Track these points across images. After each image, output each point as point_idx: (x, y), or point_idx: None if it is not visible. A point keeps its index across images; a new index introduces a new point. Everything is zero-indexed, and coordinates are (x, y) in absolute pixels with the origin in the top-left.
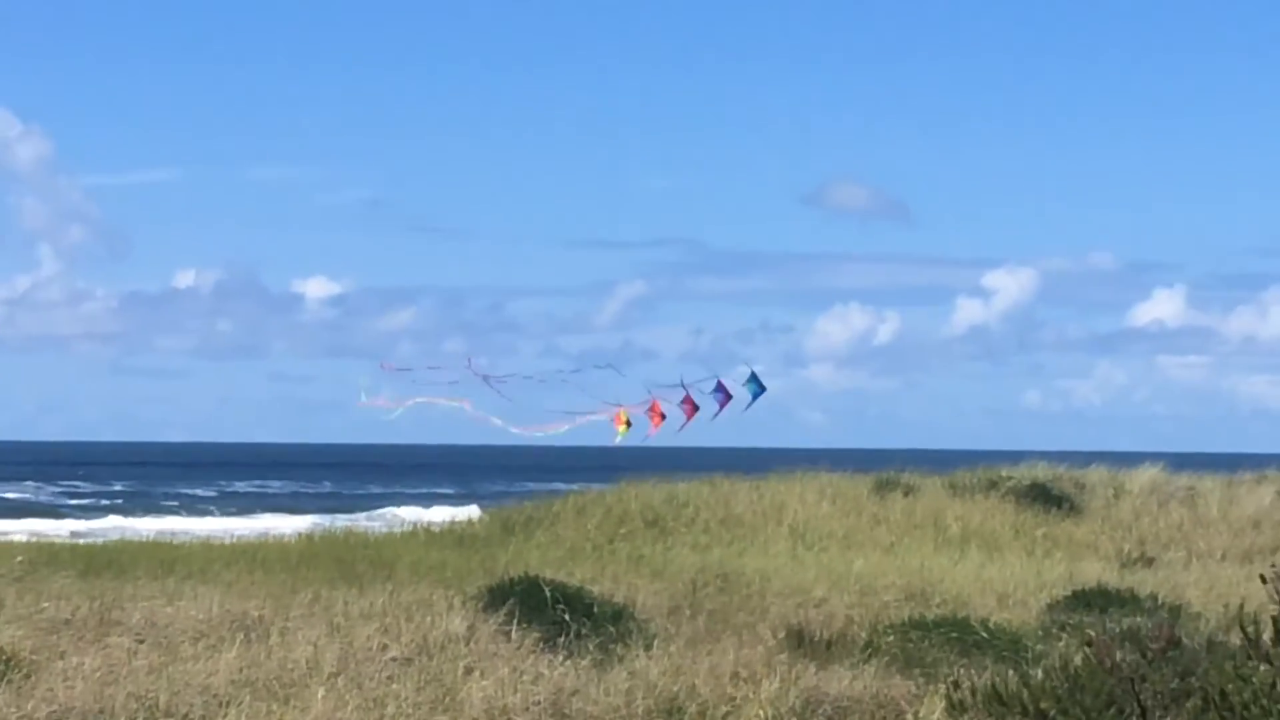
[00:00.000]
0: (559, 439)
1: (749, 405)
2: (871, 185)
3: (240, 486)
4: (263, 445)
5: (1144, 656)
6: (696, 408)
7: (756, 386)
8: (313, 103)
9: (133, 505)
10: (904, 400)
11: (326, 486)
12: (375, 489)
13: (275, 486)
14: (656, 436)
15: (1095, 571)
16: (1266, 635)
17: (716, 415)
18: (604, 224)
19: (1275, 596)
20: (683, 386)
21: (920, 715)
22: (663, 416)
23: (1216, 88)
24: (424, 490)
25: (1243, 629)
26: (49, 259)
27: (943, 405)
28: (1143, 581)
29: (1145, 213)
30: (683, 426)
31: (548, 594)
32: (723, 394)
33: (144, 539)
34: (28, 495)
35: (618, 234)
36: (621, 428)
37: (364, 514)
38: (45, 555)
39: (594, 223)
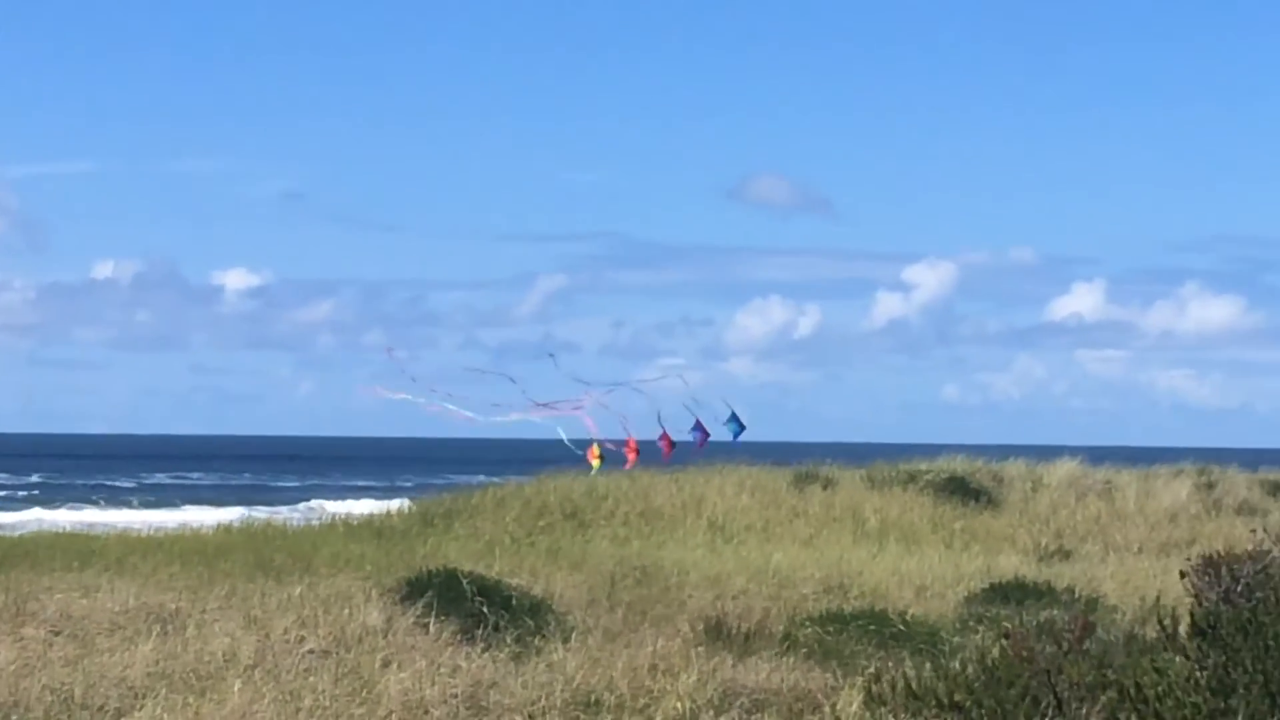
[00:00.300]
0: (497, 431)
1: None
2: (794, 179)
3: (160, 478)
4: (183, 437)
5: (1060, 649)
6: (674, 444)
7: (737, 426)
8: (234, 95)
9: (52, 497)
10: (824, 394)
11: (247, 479)
12: (296, 482)
13: (195, 478)
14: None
15: (1013, 564)
16: (1182, 628)
17: (697, 450)
18: (525, 217)
19: (1191, 590)
20: (660, 425)
21: (838, 708)
22: (636, 452)
23: (1137, 82)
24: (347, 483)
25: (1159, 622)
26: None
27: (862, 399)
28: (1060, 574)
29: (1065, 207)
30: (665, 456)
31: (466, 586)
32: (701, 433)
33: (62, 531)
34: None
35: (539, 227)
36: (595, 461)
37: (286, 507)
38: None
39: (515, 216)
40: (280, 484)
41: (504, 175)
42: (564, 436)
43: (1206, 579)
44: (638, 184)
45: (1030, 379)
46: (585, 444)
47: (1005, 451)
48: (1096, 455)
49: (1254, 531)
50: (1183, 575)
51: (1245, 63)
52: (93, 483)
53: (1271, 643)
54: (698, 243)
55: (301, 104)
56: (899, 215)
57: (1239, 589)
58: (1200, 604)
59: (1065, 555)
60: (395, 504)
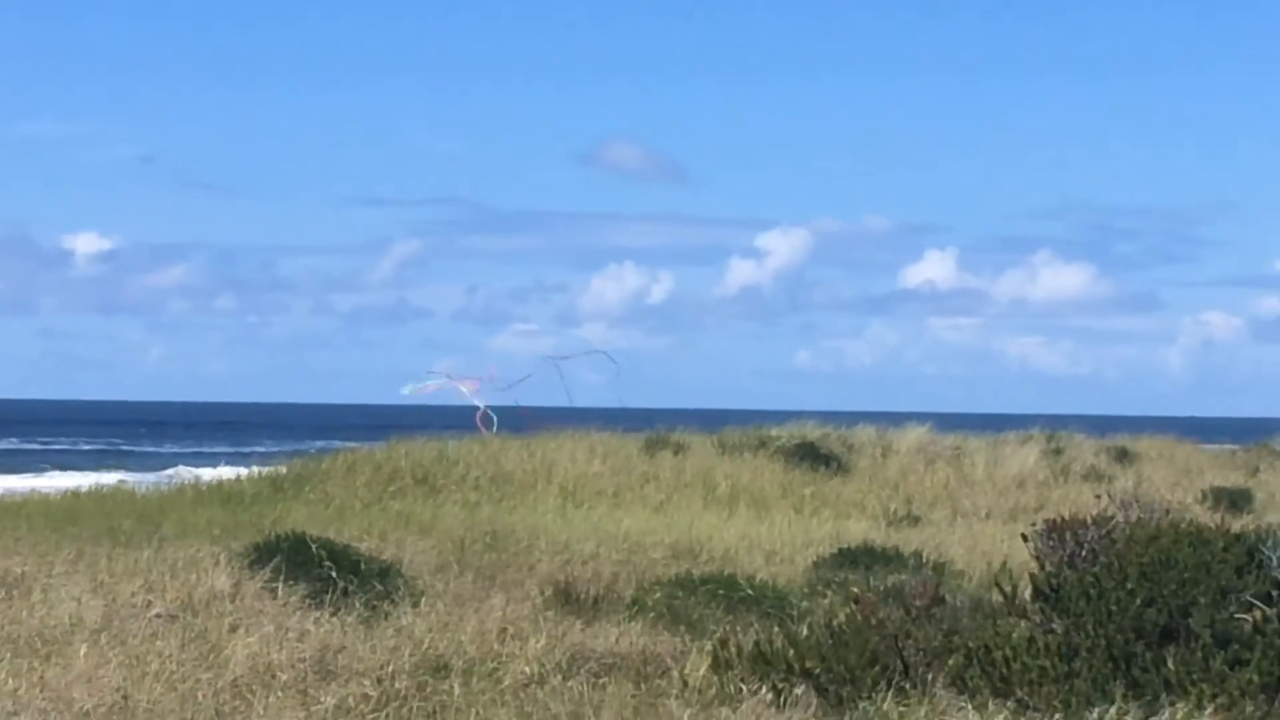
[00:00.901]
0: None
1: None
2: (647, 145)
3: (12, 443)
4: (33, 402)
5: (908, 614)
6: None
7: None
8: (83, 57)
9: None
10: (677, 360)
11: (105, 444)
12: (151, 447)
13: (48, 443)
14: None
15: (862, 530)
16: (1026, 592)
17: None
18: (378, 182)
19: (1035, 555)
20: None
21: (685, 671)
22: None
23: (990, 51)
24: (203, 449)
25: (999, 587)
26: None
27: (715, 365)
28: (908, 540)
29: (919, 175)
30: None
31: (315, 551)
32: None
33: None
34: None
35: (392, 192)
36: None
37: (153, 473)
38: None
39: (368, 180)
40: (141, 449)
41: (357, 140)
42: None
43: (1050, 544)
44: (491, 149)
45: (883, 346)
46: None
47: (856, 418)
48: (948, 422)
49: (1098, 497)
50: (1025, 539)
51: (1099, 32)
52: None
53: (1114, 607)
54: (551, 209)
55: (154, 67)
56: (752, 182)
57: (1083, 554)
58: (1044, 569)
59: (914, 521)
60: (248, 469)
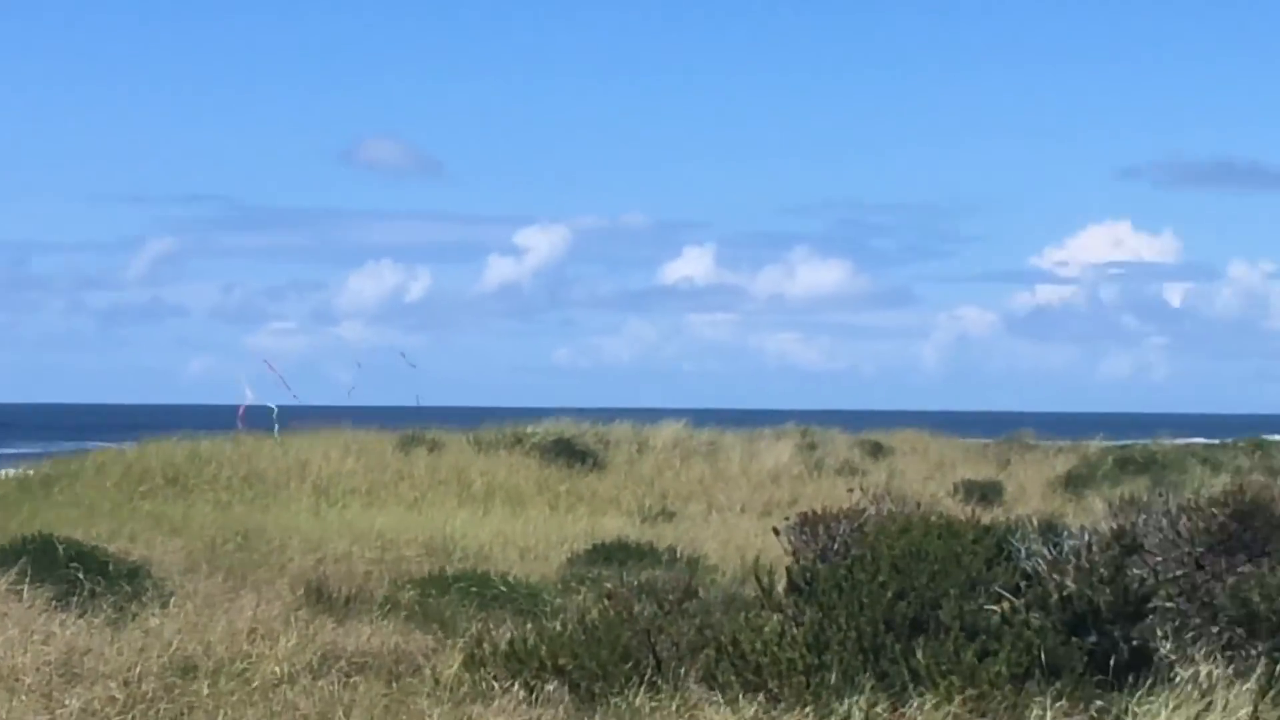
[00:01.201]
0: None
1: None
2: (405, 142)
3: None
4: None
5: (661, 608)
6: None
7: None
8: None
9: None
10: (437, 357)
11: None
12: None
13: None
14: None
15: (617, 526)
16: (780, 585)
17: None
18: (133, 178)
19: (787, 548)
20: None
21: (437, 669)
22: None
23: (748, 48)
24: None
25: (757, 580)
26: None
27: (475, 362)
28: (663, 535)
29: (676, 172)
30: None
31: (61, 552)
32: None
33: None
34: None
35: (147, 189)
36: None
37: None
38: None
39: (122, 177)
40: None
41: (113, 135)
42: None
43: (804, 537)
44: (249, 146)
45: (641, 342)
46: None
47: (615, 414)
48: (708, 417)
49: (850, 490)
50: (777, 533)
51: (852, 32)
52: None
53: (865, 599)
54: (309, 206)
55: None
56: (511, 179)
57: (835, 547)
58: (798, 562)
59: (669, 516)
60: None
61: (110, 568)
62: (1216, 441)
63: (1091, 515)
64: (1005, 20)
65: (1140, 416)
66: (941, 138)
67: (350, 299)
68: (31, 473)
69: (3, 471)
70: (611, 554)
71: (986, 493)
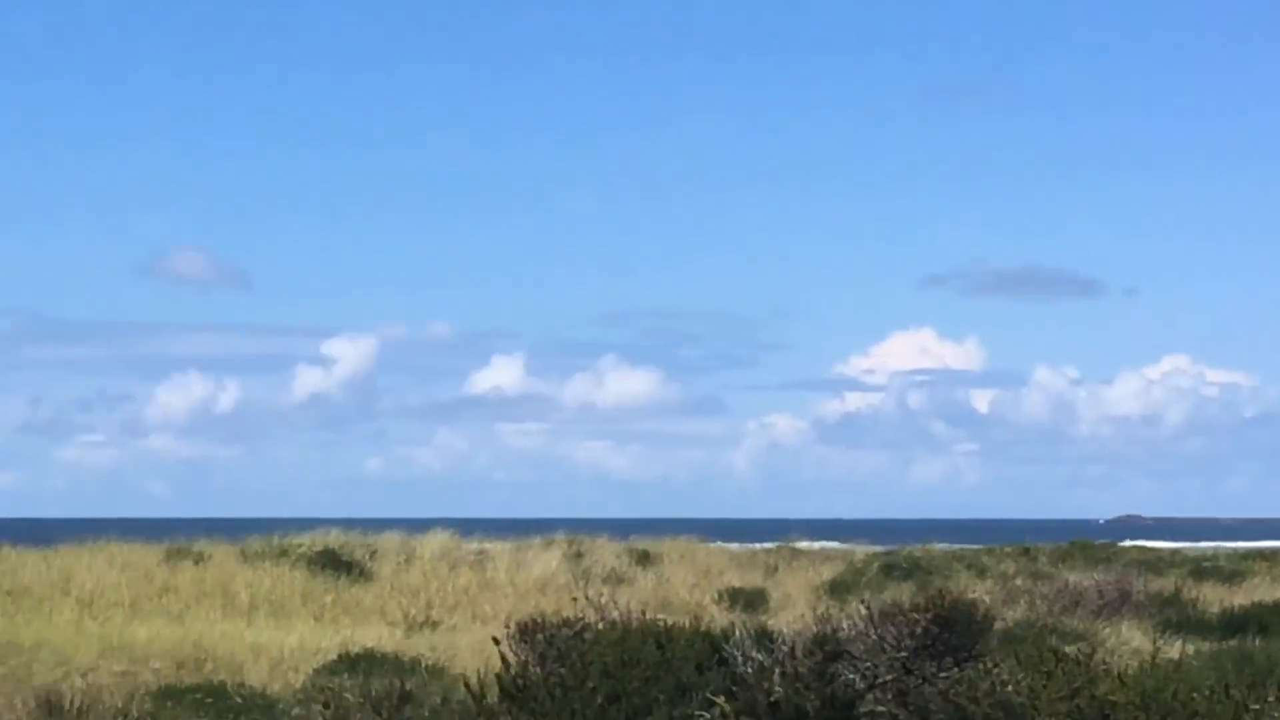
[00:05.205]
0: None
1: None
2: (210, 252)
3: None
4: None
5: (380, 715)
6: None
7: None
8: None
9: None
10: (248, 469)
11: None
12: None
13: None
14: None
15: (377, 635)
16: (492, 695)
17: None
18: None
19: (513, 655)
20: None
21: None
22: None
23: (545, 160)
24: None
25: (466, 687)
26: None
27: (286, 473)
28: (423, 645)
29: (482, 281)
30: None
31: None
32: None
33: None
34: None
35: None
36: None
37: None
38: None
39: None
40: None
41: None
42: None
43: (524, 644)
44: (51, 257)
45: (452, 452)
46: None
47: (430, 524)
48: (523, 527)
49: (574, 599)
50: (496, 641)
51: (647, 145)
52: None
53: (576, 705)
54: (114, 318)
55: None
56: (317, 289)
57: (554, 654)
58: (508, 669)
59: (434, 626)
60: None
61: None
62: (983, 547)
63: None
64: (796, 133)
65: (951, 523)
66: (748, 246)
67: (159, 411)
68: None
69: None
70: (357, 663)
71: (751, 600)
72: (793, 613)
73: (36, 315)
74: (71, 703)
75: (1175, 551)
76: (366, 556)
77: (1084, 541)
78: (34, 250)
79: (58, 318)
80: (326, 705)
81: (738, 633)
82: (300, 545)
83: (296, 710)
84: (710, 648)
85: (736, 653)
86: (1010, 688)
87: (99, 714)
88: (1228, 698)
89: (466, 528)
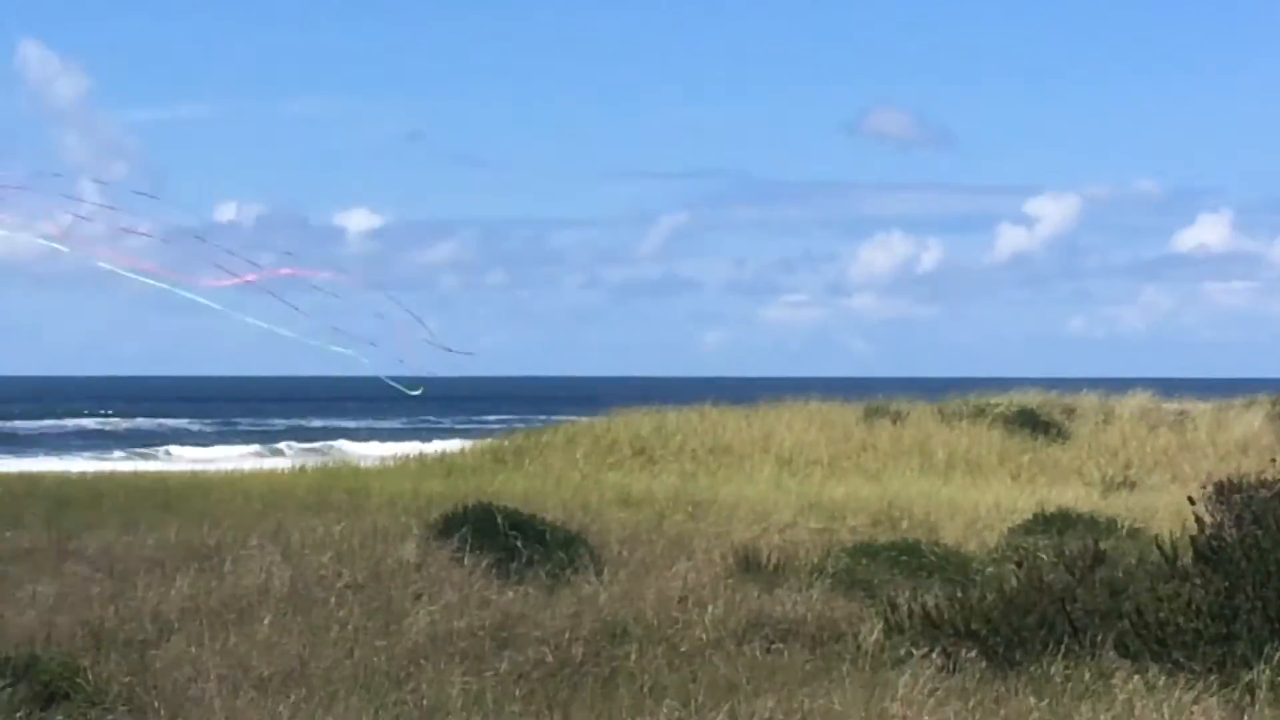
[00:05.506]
0: None
1: None
2: (913, 112)
3: (278, 423)
4: (307, 379)
5: (1074, 577)
6: None
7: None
8: (350, 35)
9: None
10: (947, 328)
11: (397, 422)
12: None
13: (341, 422)
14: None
15: (1075, 496)
16: (1186, 556)
17: None
18: (644, 155)
19: (1209, 516)
20: None
21: (860, 636)
22: None
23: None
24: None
25: (1159, 548)
26: (90, 194)
27: (986, 332)
28: (1120, 506)
29: (1190, 137)
30: None
31: (500, 521)
32: None
33: (137, 473)
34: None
35: (659, 164)
36: None
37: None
38: (26, 487)
39: (634, 153)
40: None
41: (621, 114)
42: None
43: (1220, 505)
44: (756, 120)
45: (1156, 311)
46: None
47: (1128, 385)
48: (1227, 387)
49: (1274, 461)
50: (1191, 501)
51: None
52: (211, 426)
53: (1273, 568)
54: (818, 178)
55: (419, 45)
56: (1020, 148)
57: (1250, 516)
58: (1202, 531)
59: (1131, 486)
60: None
61: (547, 536)
62: None
63: None
64: None
65: None
66: None
67: (861, 270)
68: (505, 443)
69: (470, 442)
70: (1051, 523)
71: None
72: None
73: (744, 176)
74: (768, 558)
75: None
76: (1064, 416)
77: None
78: (744, 112)
79: (764, 178)
80: (1019, 564)
81: None
82: (997, 405)
83: (990, 569)
84: None
85: None
86: None
87: (794, 569)
88: None
89: (1167, 388)
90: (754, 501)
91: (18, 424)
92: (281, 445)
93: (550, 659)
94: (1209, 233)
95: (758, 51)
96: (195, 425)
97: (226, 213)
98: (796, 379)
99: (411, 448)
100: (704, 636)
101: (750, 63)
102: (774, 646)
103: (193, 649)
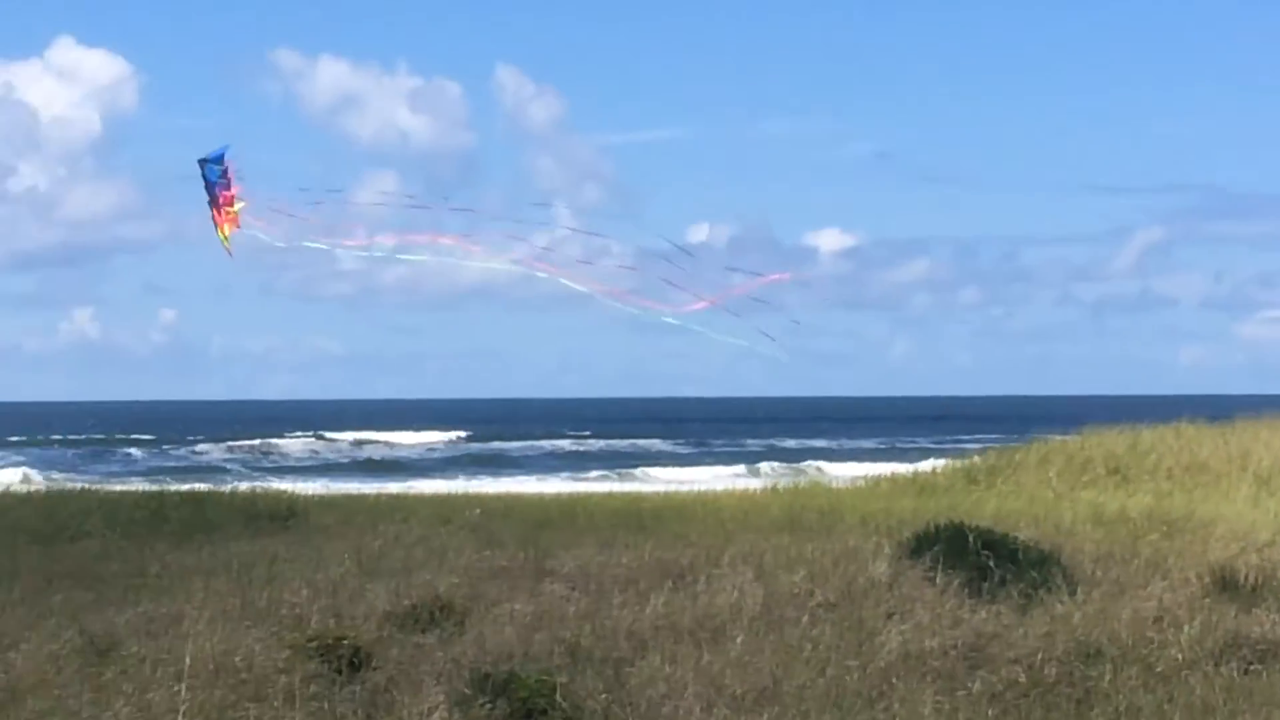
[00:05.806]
0: None
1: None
2: None
3: (789, 443)
4: (788, 399)
5: None
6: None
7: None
8: (812, 57)
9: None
10: None
11: (871, 442)
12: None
13: (814, 441)
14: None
15: None
16: None
17: None
18: (1114, 170)
19: None
20: None
21: None
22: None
23: None
24: (904, 443)
25: None
26: (564, 217)
27: None
28: None
29: None
30: None
31: (971, 540)
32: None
33: (611, 494)
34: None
35: (1129, 179)
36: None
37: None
38: (504, 508)
39: (1103, 169)
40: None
41: (1089, 129)
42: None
43: None
44: (1226, 133)
45: None
46: None
47: None
48: None
49: None
50: None
51: None
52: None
53: None
54: None
55: (883, 66)
56: None
57: None
58: None
59: None
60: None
61: (1019, 555)
62: None
63: None
64: None
65: None
66: None
67: None
68: (978, 461)
69: (942, 462)
70: None
71: None
72: None
73: (1216, 190)
74: (1246, 577)
75: None
76: None
77: None
78: (1211, 126)
79: (1237, 192)
80: None
81: None
82: None
83: None
84: None
85: None
86: None
87: (1274, 589)
88: None
89: None
90: (1231, 520)
91: (496, 444)
92: (761, 465)
93: (1023, 679)
94: None
95: (1227, 63)
96: (669, 445)
97: (699, 234)
98: (1275, 396)
99: (886, 468)
100: (1180, 657)
101: (1219, 75)
102: (1252, 668)
103: (667, 667)
